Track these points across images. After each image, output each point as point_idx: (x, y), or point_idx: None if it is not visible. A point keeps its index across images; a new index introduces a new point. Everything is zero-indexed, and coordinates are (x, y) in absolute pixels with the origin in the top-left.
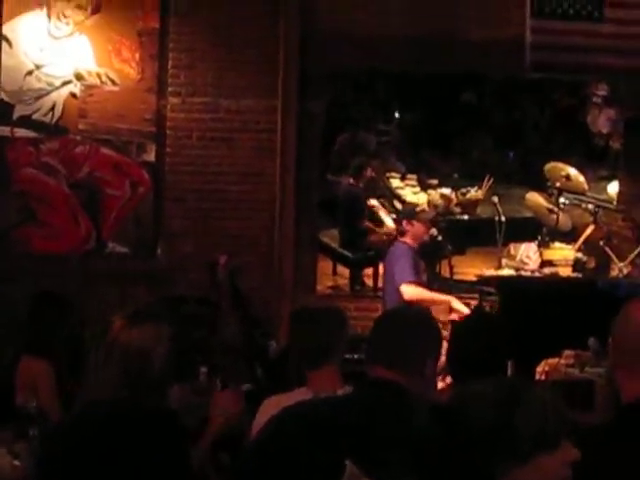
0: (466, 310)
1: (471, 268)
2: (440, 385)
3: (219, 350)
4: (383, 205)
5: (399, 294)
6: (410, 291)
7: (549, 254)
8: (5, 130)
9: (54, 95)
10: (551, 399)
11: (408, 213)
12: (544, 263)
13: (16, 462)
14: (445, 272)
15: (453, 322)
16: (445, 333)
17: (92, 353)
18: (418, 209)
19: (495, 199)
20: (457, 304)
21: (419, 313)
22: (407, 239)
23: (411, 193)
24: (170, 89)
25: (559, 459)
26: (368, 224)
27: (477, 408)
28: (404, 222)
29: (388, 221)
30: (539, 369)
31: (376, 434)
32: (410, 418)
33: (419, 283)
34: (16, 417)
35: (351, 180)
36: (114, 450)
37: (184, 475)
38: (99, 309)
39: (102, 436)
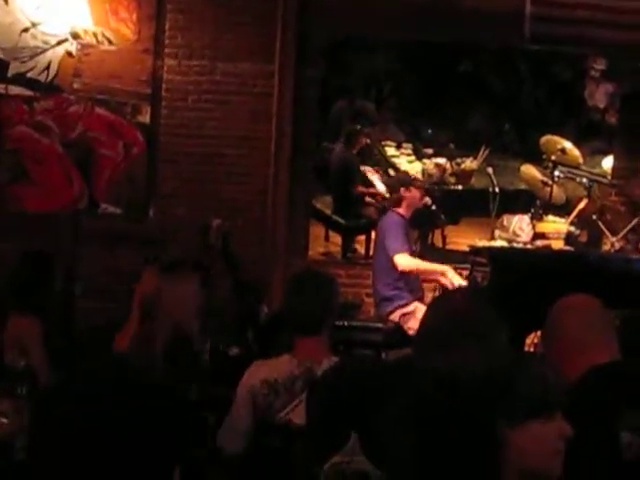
0: (460, 281)
1: (464, 238)
2: None
3: (209, 313)
4: (377, 172)
5: (390, 263)
6: (404, 261)
7: (542, 227)
8: None
9: (49, 53)
10: (551, 373)
11: (405, 180)
12: (537, 235)
13: (3, 420)
14: (438, 242)
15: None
16: None
17: None
18: (412, 176)
19: (490, 170)
20: (452, 274)
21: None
22: (401, 209)
23: (406, 162)
24: (167, 50)
25: (553, 430)
26: (361, 188)
27: (477, 371)
28: (402, 189)
29: (380, 186)
30: (528, 341)
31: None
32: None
33: (411, 254)
34: (4, 375)
35: (344, 147)
36: (113, 413)
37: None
38: (89, 268)
39: (100, 397)
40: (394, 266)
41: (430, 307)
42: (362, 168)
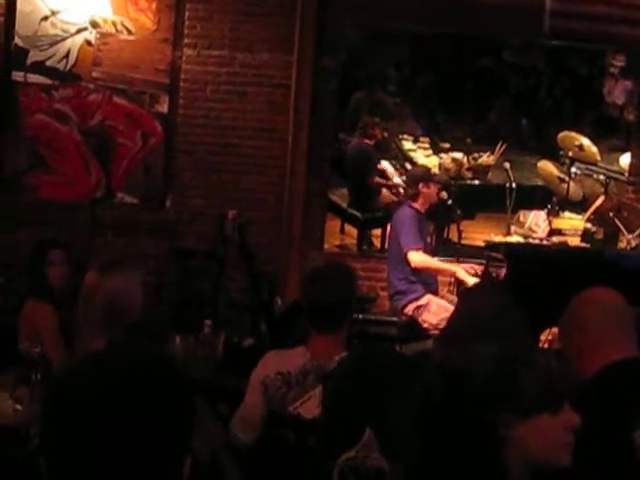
0: (471, 281)
1: (480, 233)
2: None
3: (224, 304)
4: (394, 167)
5: (404, 258)
6: (417, 259)
7: (558, 223)
8: (19, 75)
9: (69, 42)
10: (556, 365)
11: (425, 176)
12: (553, 232)
13: (18, 407)
14: (453, 236)
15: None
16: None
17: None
18: (432, 172)
19: (507, 165)
20: (463, 275)
21: None
22: (417, 203)
23: (423, 156)
24: (186, 40)
25: (561, 423)
26: (378, 180)
27: (483, 366)
28: (420, 184)
29: (397, 178)
30: (543, 337)
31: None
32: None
33: (425, 250)
34: (19, 362)
35: (360, 138)
36: (126, 398)
37: (190, 419)
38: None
39: (112, 383)
40: (407, 261)
41: (457, 304)
42: (379, 160)
